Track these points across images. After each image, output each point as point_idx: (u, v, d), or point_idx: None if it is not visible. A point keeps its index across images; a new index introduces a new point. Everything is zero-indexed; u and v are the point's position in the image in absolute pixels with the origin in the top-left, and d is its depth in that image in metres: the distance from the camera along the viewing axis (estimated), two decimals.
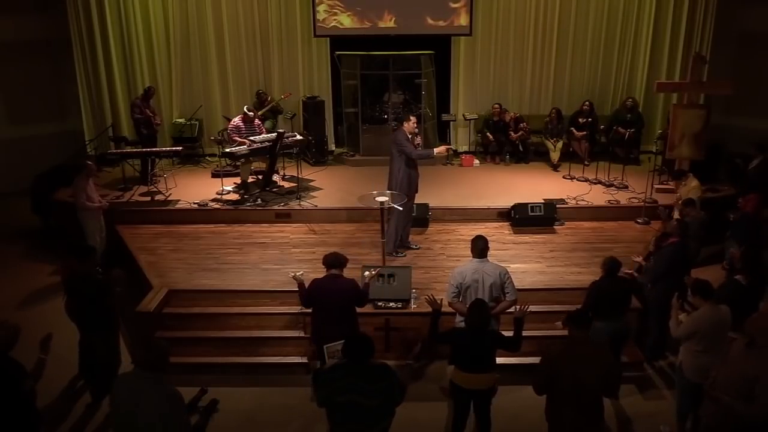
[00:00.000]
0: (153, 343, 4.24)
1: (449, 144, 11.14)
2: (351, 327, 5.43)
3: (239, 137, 9.46)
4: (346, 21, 11.12)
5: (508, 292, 5.50)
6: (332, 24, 11.11)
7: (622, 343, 6.11)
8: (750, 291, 6.00)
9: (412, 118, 7.43)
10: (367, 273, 5.84)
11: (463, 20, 11.08)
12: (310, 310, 5.84)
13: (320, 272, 5.68)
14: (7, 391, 4.36)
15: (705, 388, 4.65)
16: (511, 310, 5.33)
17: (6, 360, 4.40)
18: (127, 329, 7.05)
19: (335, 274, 5.50)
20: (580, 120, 10.91)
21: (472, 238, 5.71)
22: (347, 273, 5.67)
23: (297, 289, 5.59)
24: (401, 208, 7.24)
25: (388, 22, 11.11)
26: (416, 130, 7.45)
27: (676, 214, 7.51)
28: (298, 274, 5.61)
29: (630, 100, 10.91)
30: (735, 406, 4.35)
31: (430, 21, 11.08)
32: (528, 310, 5.07)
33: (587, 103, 11.00)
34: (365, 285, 5.69)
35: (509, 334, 5.05)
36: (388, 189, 7.42)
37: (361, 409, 4.05)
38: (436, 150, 7.77)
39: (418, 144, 7.63)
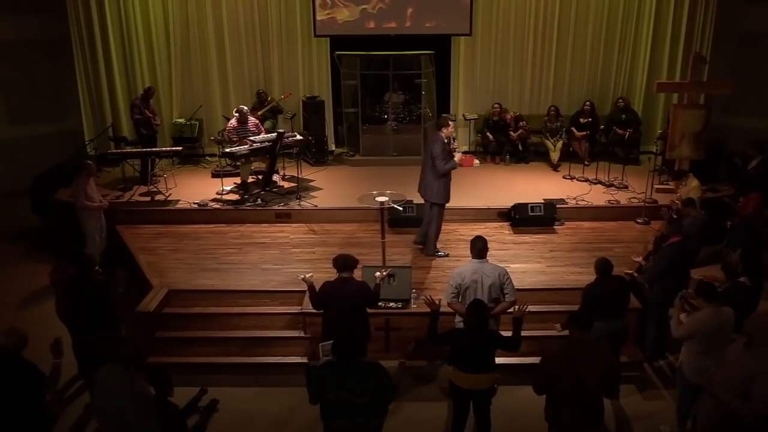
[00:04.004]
0: (126, 339, 4.31)
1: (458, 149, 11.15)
2: (363, 328, 5.45)
3: (238, 138, 9.47)
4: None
5: (507, 293, 5.49)
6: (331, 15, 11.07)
7: (620, 343, 6.11)
8: (751, 291, 6.01)
9: (450, 123, 7.41)
10: (378, 273, 5.85)
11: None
12: (310, 311, 5.85)
13: (321, 272, 5.70)
14: (25, 394, 4.34)
15: (703, 385, 4.67)
16: (511, 310, 5.33)
17: (23, 363, 4.38)
18: (127, 330, 7.06)
19: (346, 278, 5.49)
20: (582, 120, 10.92)
21: (471, 238, 5.71)
22: None
23: (300, 289, 5.63)
24: (401, 208, 7.23)
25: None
26: (454, 135, 7.39)
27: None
28: (307, 276, 5.60)
29: (620, 100, 10.91)
30: (732, 404, 4.37)
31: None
32: (527, 310, 5.07)
33: (588, 103, 11.00)
34: (376, 286, 5.72)
35: (508, 334, 5.05)
36: (423, 196, 7.54)
37: (351, 407, 4.08)
38: (456, 158, 7.49)
39: (455, 148, 7.54)
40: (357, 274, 6.35)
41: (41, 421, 4.49)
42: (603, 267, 5.86)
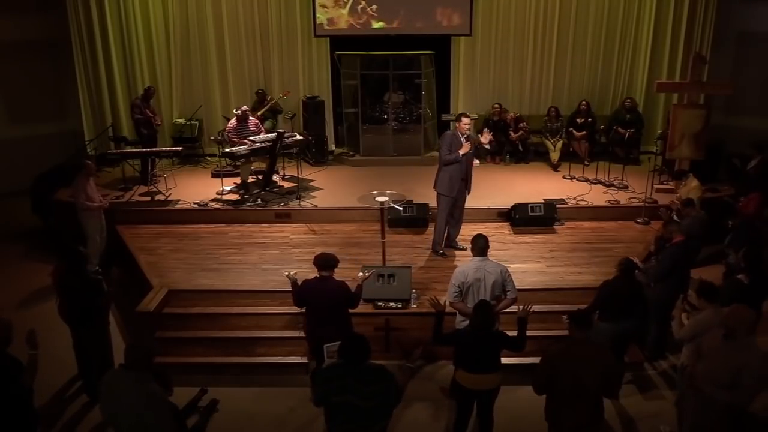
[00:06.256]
0: (136, 344, 4.30)
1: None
2: (343, 328, 5.39)
3: (237, 138, 9.47)
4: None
5: (508, 290, 5.51)
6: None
7: (627, 344, 6.10)
8: (753, 291, 5.99)
9: (464, 118, 7.38)
10: (360, 274, 5.82)
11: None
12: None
13: None
14: (4, 388, 4.36)
15: (685, 380, 4.71)
16: (513, 308, 5.32)
17: (3, 357, 4.40)
18: (126, 328, 7.07)
19: (324, 276, 5.48)
20: (578, 120, 10.93)
21: (472, 237, 5.70)
22: (346, 273, 5.65)
23: (291, 288, 5.60)
24: (401, 208, 7.22)
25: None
26: (469, 132, 7.37)
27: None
28: (291, 273, 5.60)
29: (629, 100, 10.91)
30: (720, 396, 4.43)
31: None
32: (531, 309, 5.06)
33: (584, 102, 11.01)
34: (358, 287, 5.65)
35: (513, 333, 5.04)
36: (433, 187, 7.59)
37: (357, 410, 4.03)
38: (461, 151, 7.24)
39: (469, 144, 7.40)
40: (354, 274, 6.36)
41: (23, 414, 4.51)
42: (625, 266, 5.85)
